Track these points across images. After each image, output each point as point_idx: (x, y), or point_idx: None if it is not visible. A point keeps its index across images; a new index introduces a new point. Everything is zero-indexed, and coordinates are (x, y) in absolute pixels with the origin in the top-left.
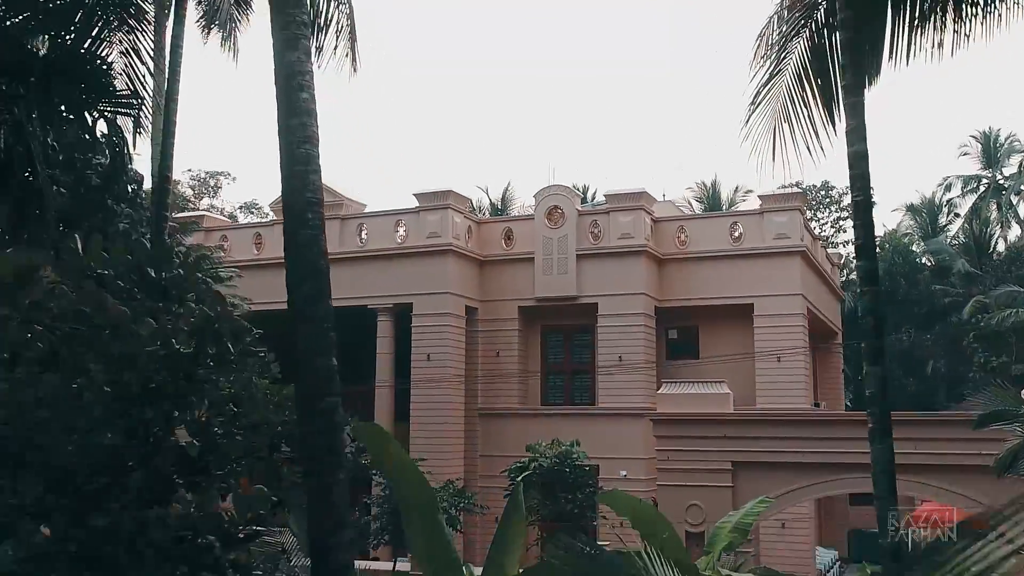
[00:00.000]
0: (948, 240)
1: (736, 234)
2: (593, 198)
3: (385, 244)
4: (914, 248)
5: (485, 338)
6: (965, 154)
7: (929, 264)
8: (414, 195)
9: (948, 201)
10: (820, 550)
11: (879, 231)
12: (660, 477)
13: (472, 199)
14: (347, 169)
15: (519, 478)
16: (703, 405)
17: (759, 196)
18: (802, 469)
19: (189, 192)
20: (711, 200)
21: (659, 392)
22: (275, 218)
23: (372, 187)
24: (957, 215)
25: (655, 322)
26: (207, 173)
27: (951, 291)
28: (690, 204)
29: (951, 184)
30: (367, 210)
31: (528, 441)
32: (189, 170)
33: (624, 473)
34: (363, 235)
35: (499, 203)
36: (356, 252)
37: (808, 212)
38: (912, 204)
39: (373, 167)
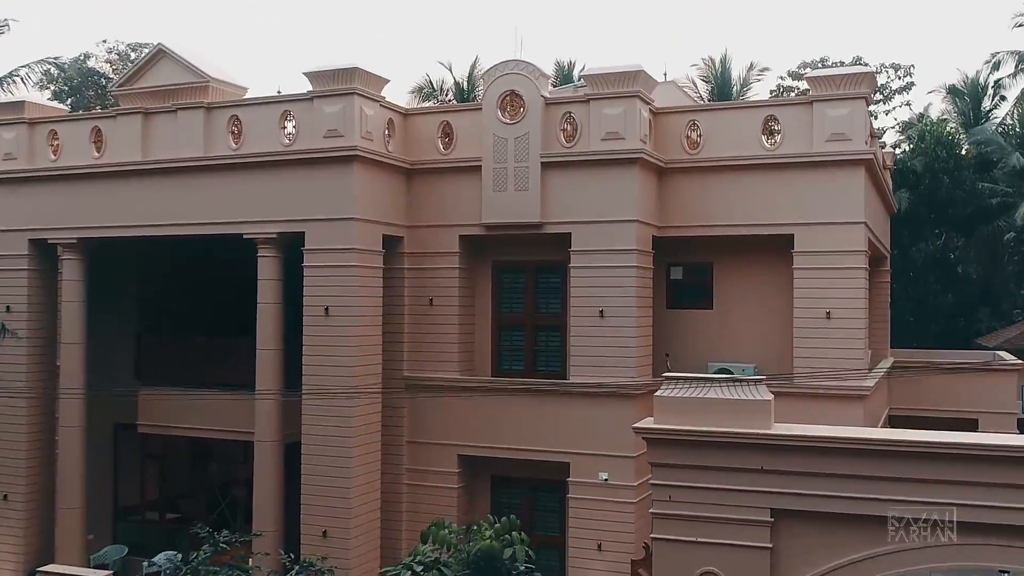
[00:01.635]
0: (994, 128)
1: (773, 133)
2: (569, 76)
3: (268, 147)
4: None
5: (413, 280)
6: (1020, 25)
7: (971, 156)
8: (305, 75)
9: (996, 82)
10: None
11: (906, 116)
12: (657, 527)
13: (434, 79)
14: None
15: None
16: (727, 417)
17: (808, 78)
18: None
19: (107, 68)
20: (720, 80)
21: (658, 395)
22: (121, 107)
23: None
24: (1004, 98)
25: (652, 259)
26: (128, 46)
27: (999, 189)
28: (694, 84)
29: (1001, 61)
30: (248, 97)
31: (474, 424)
32: (104, 42)
33: (605, 477)
34: (237, 133)
35: (465, 84)
36: (228, 158)
37: None
38: (953, 85)
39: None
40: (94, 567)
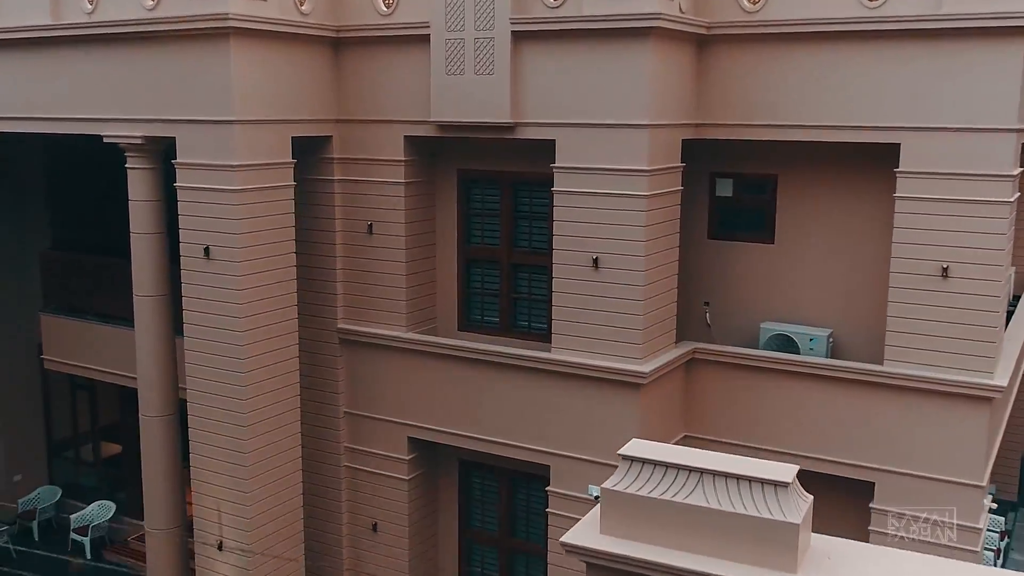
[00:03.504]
0: None
1: None
2: None
3: (127, 12)
4: None
5: (347, 197)
6: None
7: None
8: None
9: None
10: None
11: None
12: None
13: None
14: None
15: None
16: (724, 540)
17: None
18: None
19: None
20: None
21: (608, 486)
22: None
23: None
24: None
25: (683, 176)
26: None
27: None
28: None
29: None
30: None
31: (428, 399)
32: None
33: (596, 494)
34: None
35: None
36: (80, 27)
37: None
38: None
39: None
40: (22, 513)
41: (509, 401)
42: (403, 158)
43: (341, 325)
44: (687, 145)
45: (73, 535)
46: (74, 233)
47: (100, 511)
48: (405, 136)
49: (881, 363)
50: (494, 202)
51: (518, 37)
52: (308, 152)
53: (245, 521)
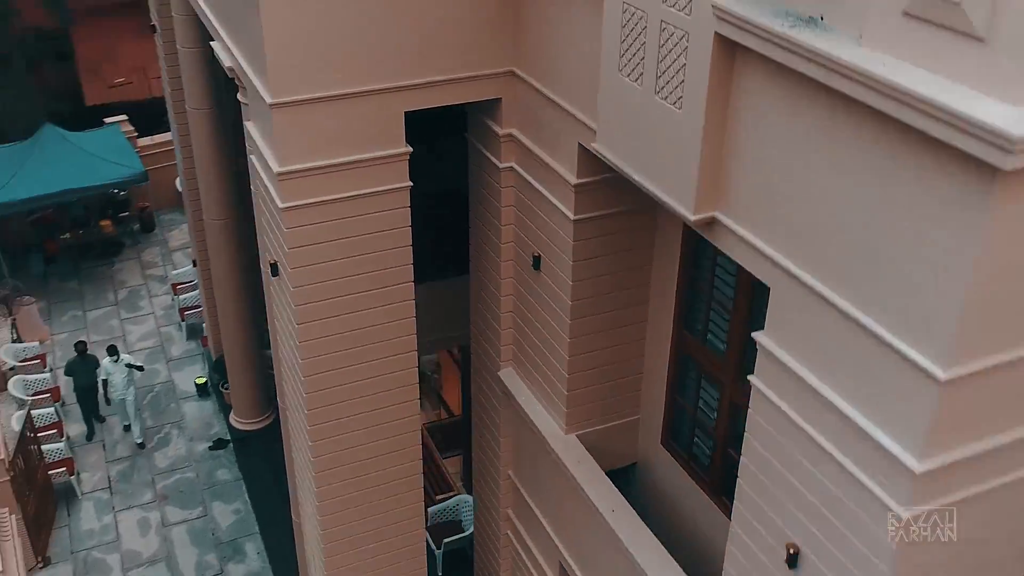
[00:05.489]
0: None
1: None
2: None
3: None
4: None
5: (516, 199)
6: None
7: None
8: None
9: None
10: None
11: None
12: None
13: None
14: None
15: None
16: None
17: None
18: None
19: None
20: None
21: None
22: None
23: None
24: None
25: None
26: None
27: None
28: None
29: None
30: None
31: (583, 539)
32: None
33: None
34: None
35: None
36: None
37: None
38: None
39: None
40: None
41: None
42: (575, 178)
43: (504, 378)
44: None
45: None
46: None
47: None
48: (580, 144)
49: None
50: (728, 284)
51: (726, 44)
52: (471, 113)
53: None
